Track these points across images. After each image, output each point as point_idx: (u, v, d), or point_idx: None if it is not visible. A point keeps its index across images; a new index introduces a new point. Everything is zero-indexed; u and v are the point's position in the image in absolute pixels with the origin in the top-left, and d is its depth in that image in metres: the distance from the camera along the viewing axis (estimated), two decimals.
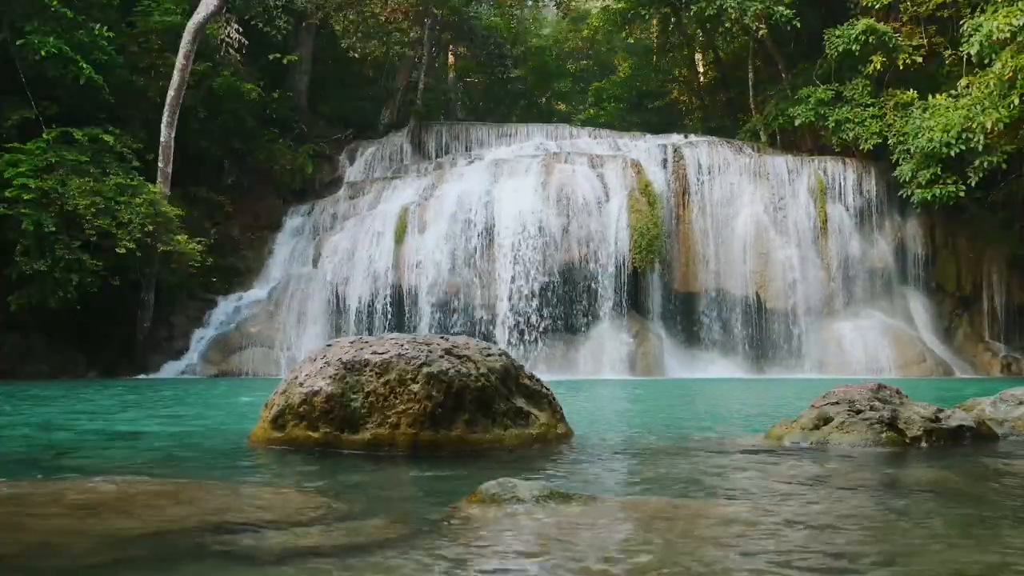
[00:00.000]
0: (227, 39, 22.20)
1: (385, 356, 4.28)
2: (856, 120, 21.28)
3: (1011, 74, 17.15)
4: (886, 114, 21.06)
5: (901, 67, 21.36)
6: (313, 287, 20.00)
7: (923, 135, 18.99)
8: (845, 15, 22.66)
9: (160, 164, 19.06)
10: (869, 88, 21.69)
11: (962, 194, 19.09)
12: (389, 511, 2.77)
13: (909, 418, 4.46)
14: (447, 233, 19.48)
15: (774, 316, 20.02)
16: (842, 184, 21.27)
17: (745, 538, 2.33)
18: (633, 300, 19.66)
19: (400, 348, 4.33)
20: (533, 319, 18.85)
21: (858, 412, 4.52)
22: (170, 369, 18.65)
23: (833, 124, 21.54)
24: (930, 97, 19.94)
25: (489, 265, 19.24)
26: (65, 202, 16.28)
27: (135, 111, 19.98)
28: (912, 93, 20.79)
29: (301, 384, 4.35)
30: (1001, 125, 17.56)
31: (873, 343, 19.24)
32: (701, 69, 31.12)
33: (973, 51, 17.75)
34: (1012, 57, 17.11)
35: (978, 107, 18.12)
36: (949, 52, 21.14)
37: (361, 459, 3.99)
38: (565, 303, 19.29)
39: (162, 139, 19.12)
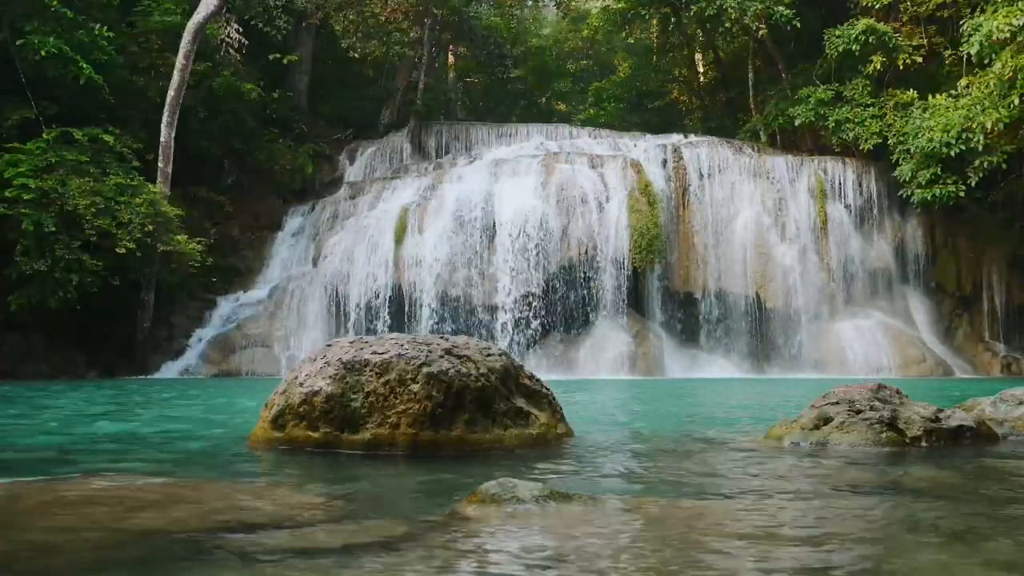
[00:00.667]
0: (227, 39, 22.21)
1: (385, 356, 4.28)
2: (856, 120, 21.29)
3: (1011, 74, 17.16)
4: (886, 114, 21.06)
5: (901, 67, 21.37)
6: (313, 287, 20.00)
7: (923, 135, 19.00)
8: (845, 15, 22.67)
9: (160, 164, 19.07)
10: (869, 88, 21.70)
11: (962, 194, 19.11)
12: (389, 511, 2.77)
13: (909, 418, 4.46)
14: (447, 233, 19.47)
15: (774, 316, 20.01)
16: (842, 184, 21.28)
17: (745, 538, 2.33)
18: (633, 300, 19.66)
19: (400, 348, 4.33)
20: (533, 319, 18.85)
21: (858, 412, 4.51)
22: (170, 369, 18.65)
23: (833, 124, 21.55)
24: (930, 97, 19.96)
25: (489, 265, 19.24)
26: (65, 202, 16.28)
27: (135, 111, 19.98)
28: (912, 93, 20.79)
29: (301, 384, 4.35)
30: (1001, 125, 17.58)
31: (873, 343, 19.24)
32: (701, 69, 31.13)
33: (973, 51, 17.76)
34: (1012, 57, 17.11)
35: (978, 107, 18.12)
36: (949, 52, 21.15)
37: (361, 459, 3.99)
38: (565, 303, 19.30)
39: (162, 139, 19.13)
